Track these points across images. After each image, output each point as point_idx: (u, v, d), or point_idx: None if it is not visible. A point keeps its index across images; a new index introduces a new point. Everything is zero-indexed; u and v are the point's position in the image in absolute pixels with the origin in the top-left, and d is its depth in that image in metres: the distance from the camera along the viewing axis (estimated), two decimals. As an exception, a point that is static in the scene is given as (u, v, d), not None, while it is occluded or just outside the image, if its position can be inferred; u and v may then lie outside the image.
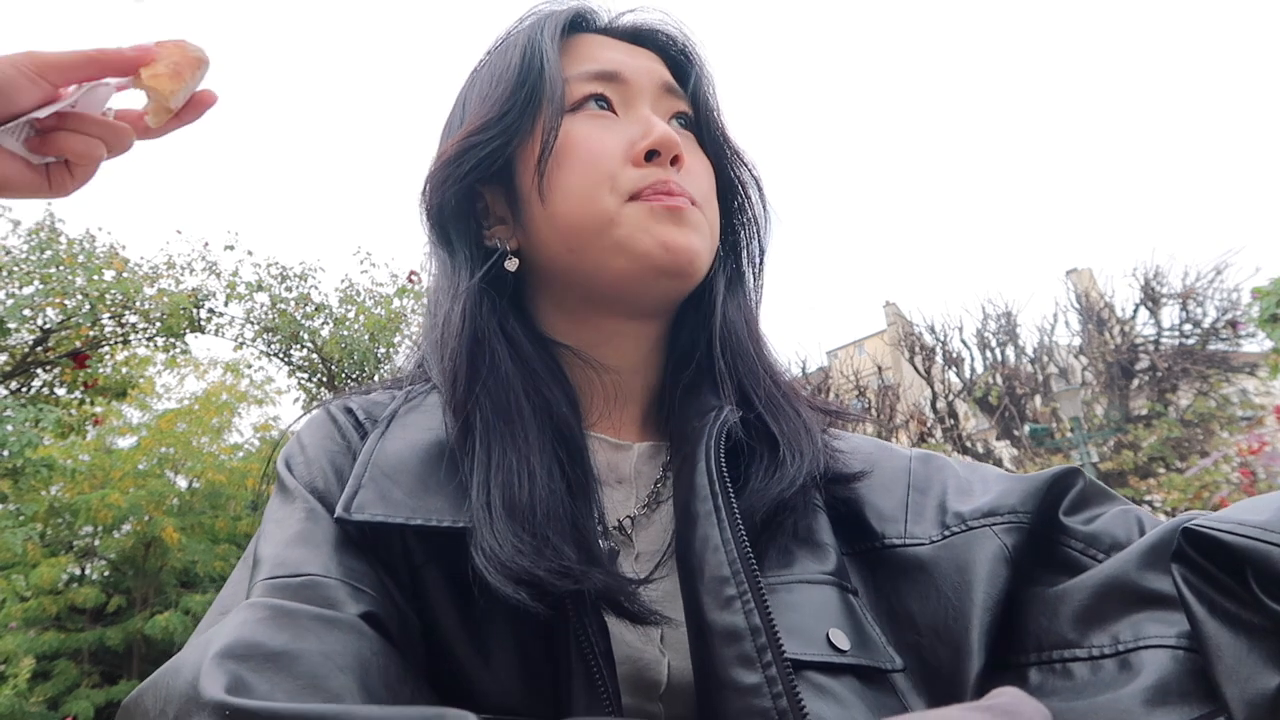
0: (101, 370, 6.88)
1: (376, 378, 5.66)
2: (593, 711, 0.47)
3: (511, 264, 0.64)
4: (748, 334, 0.67)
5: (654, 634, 0.55)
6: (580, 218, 0.60)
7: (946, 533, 0.57)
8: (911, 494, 0.62)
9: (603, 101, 0.64)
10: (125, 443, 10.56)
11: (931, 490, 0.62)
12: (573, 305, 0.64)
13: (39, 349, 6.56)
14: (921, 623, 0.54)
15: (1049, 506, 0.57)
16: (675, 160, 0.62)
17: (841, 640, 0.52)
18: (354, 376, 7.49)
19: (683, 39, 0.70)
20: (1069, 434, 10.55)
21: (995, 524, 0.56)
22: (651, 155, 0.61)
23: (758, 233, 0.71)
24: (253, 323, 7.45)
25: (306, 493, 0.54)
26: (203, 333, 7.33)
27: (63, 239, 6.58)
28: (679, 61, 0.69)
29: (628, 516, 0.61)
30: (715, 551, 0.51)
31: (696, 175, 0.65)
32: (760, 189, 0.71)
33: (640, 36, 0.69)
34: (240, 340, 7.57)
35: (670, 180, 0.61)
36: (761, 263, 0.72)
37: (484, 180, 0.65)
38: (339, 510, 0.52)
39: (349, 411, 0.62)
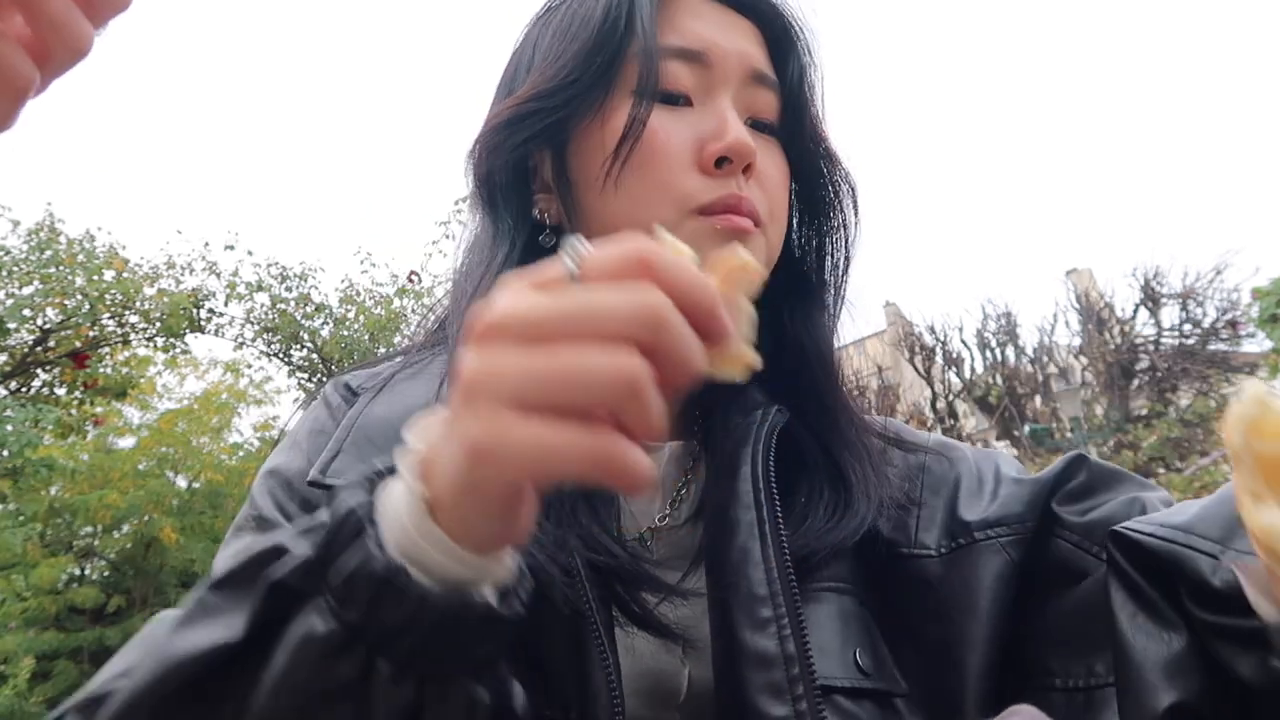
0: (101, 370, 6.88)
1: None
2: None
3: (548, 240, 0.59)
4: (814, 351, 0.60)
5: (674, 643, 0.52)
6: (636, 223, 0.53)
7: (954, 544, 0.55)
8: (925, 495, 0.58)
9: (675, 94, 0.56)
10: (125, 443, 10.55)
11: (943, 491, 0.58)
12: None
13: (39, 349, 6.56)
14: (925, 643, 0.52)
15: (1046, 500, 0.55)
16: (747, 169, 0.55)
17: (865, 662, 0.49)
18: (354, 376, 7.49)
19: (789, 14, 0.60)
20: (1069, 434, 10.55)
21: (1002, 536, 0.54)
22: (722, 161, 0.54)
23: (845, 242, 0.64)
24: (253, 323, 7.45)
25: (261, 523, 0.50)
26: (203, 333, 7.33)
27: (63, 239, 6.58)
28: (780, 41, 0.60)
29: (649, 528, 0.56)
30: (755, 567, 0.47)
31: (769, 185, 0.57)
32: (855, 197, 0.63)
33: (741, 3, 0.59)
34: (240, 340, 7.57)
35: (740, 197, 0.54)
36: (845, 273, 0.64)
37: (537, 145, 0.59)
38: (312, 474, 0.49)
39: (346, 387, 0.59)
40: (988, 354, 11.86)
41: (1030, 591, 0.53)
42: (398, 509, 0.34)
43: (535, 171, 0.60)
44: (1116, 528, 0.45)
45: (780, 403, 0.56)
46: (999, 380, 11.50)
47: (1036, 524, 0.54)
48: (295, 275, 7.47)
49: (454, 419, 0.31)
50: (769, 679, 0.44)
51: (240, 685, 0.34)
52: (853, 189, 0.63)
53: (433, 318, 0.67)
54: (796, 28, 0.61)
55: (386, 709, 0.33)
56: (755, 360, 0.33)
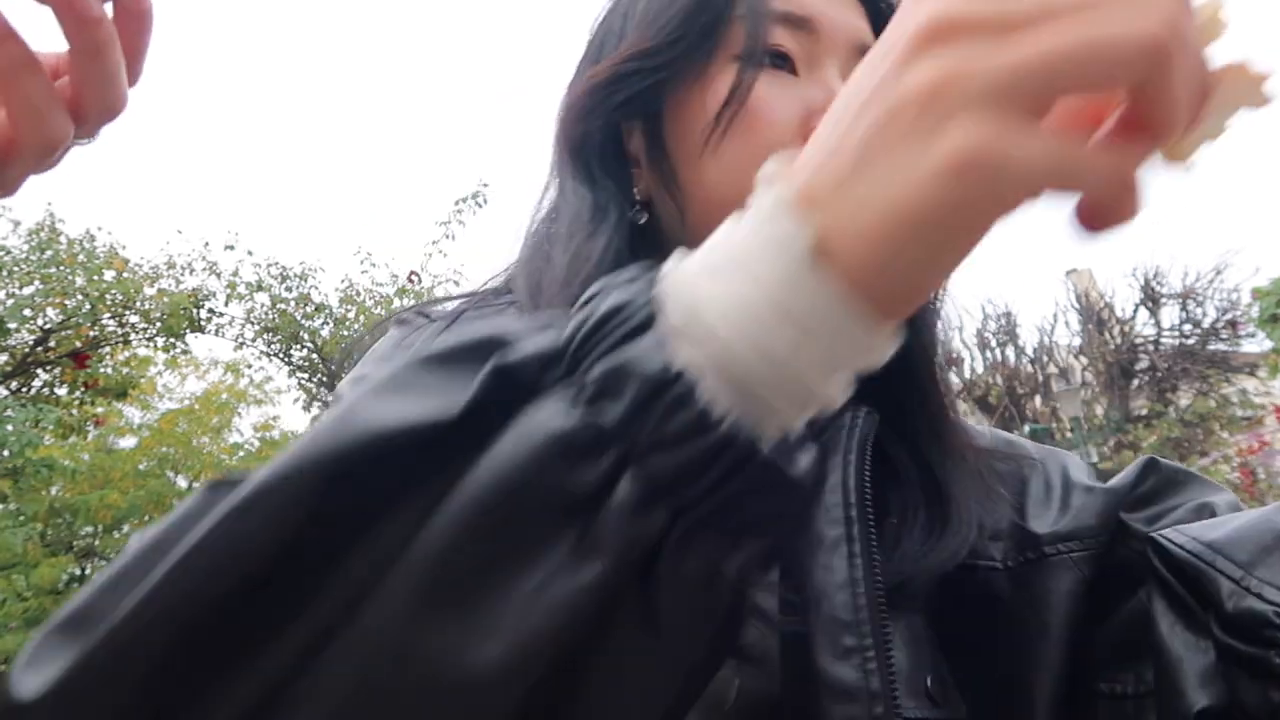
0: (102, 370, 6.89)
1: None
2: None
3: (639, 216, 0.55)
4: (918, 343, 0.54)
5: None
6: (734, 196, 0.46)
7: (1022, 558, 0.51)
8: (990, 499, 0.53)
9: (781, 60, 0.52)
10: (126, 443, 10.56)
11: (1008, 496, 0.54)
12: None
13: (39, 349, 6.56)
14: (989, 663, 0.48)
15: (1118, 511, 0.50)
16: None
17: (935, 690, 0.46)
18: (354, 376, 7.50)
19: None
20: (1069, 434, 10.54)
21: (1074, 551, 0.50)
22: None
23: None
24: (253, 323, 7.46)
25: None
26: (203, 333, 7.33)
27: (63, 239, 6.58)
28: (884, 16, 0.56)
29: None
30: (841, 589, 0.42)
31: None
32: None
33: None
34: (240, 340, 7.57)
35: None
36: None
37: (629, 115, 0.55)
38: None
39: (418, 313, 0.56)
40: (988, 354, 11.87)
41: (1097, 603, 0.50)
42: (726, 281, 0.26)
43: (624, 143, 0.57)
44: (1155, 535, 0.44)
45: (867, 403, 0.49)
46: (999, 380, 11.51)
47: (1109, 537, 0.51)
48: (295, 275, 7.47)
49: (904, 136, 0.24)
50: (847, 713, 0.40)
51: (442, 475, 0.25)
52: None
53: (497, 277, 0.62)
54: (899, 4, 0.58)
55: (616, 542, 0.24)
56: (1200, 158, 0.27)
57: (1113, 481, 0.54)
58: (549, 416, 0.26)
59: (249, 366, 9.30)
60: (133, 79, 0.45)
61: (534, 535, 0.24)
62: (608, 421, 0.25)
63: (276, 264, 7.40)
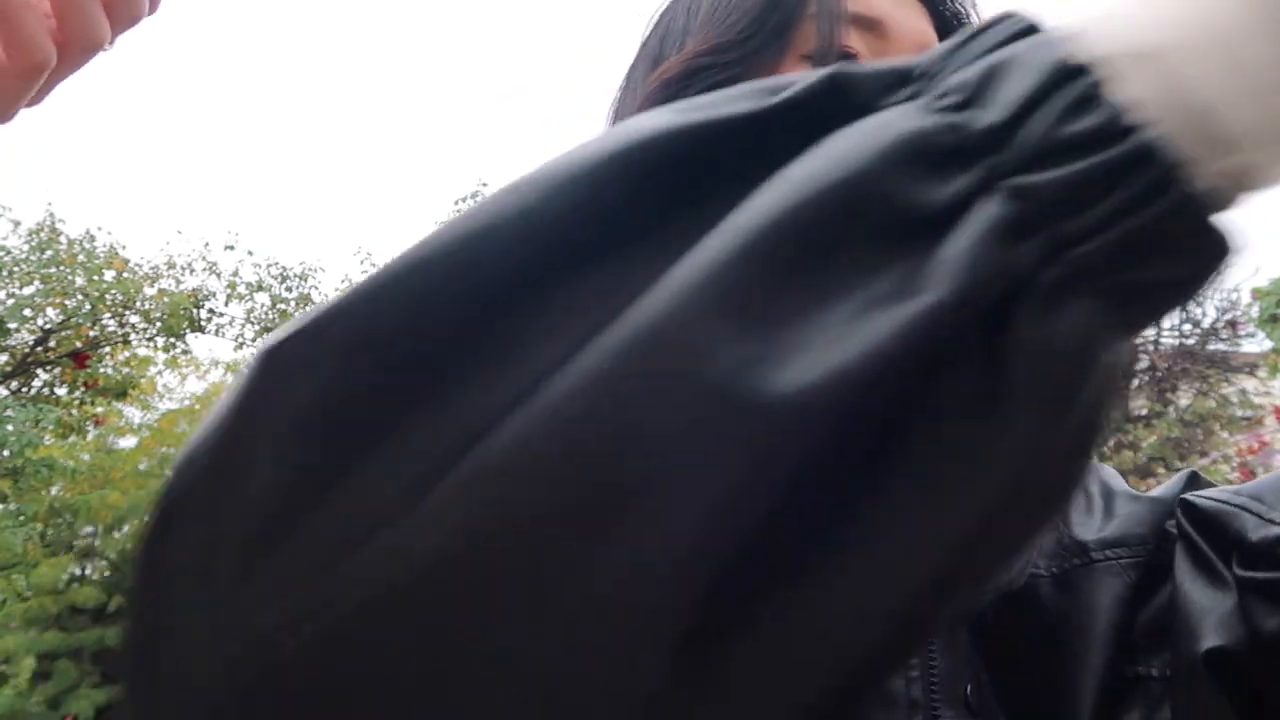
0: (102, 370, 6.89)
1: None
2: None
3: None
4: None
5: None
6: None
7: (1066, 565, 0.50)
8: None
9: (850, 61, 0.51)
10: (126, 443, 10.57)
11: None
12: None
13: (39, 349, 6.57)
14: (1029, 672, 0.48)
15: (1165, 521, 0.50)
16: None
17: (974, 699, 0.45)
18: (354, 376, 7.51)
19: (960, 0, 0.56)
20: (1069, 434, 10.52)
21: (1123, 558, 0.49)
22: None
23: None
24: (253, 323, 7.46)
25: None
26: (203, 333, 7.34)
27: (63, 239, 6.59)
28: (948, 27, 0.55)
29: None
30: None
31: None
32: None
33: None
34: (240, 340, 7.57)
35: None
36: None
37: None
38: None
39: None
40: (988, 354, 11.87)
41: (1139, 601, 0.50)
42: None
43: None
44: (1185, 496, 0.45)
45: None
46: (999, 380, 11.50)
47: (1156, 545, 0.50)
48: (295, 275, 7.48)
49: None
50: (886, 719, 0.40)
51: (747, 171, 0.20)
52: None
53: None
54: (964, 14, 0.58)
55: (966, 276, 0.18)
56: None
57: (1156, 491, 0.54)
58: (898, 117, 0.20)
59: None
60: (153, 6, 0.46)
61: (860, 252, 0.19)
62: (978, 125, 0.19)
63: (276, 264, 7.41)
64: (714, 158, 0.20)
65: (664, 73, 0.54)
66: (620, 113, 0.57)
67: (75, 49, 0.44)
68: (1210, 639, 0.40)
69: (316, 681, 0.17)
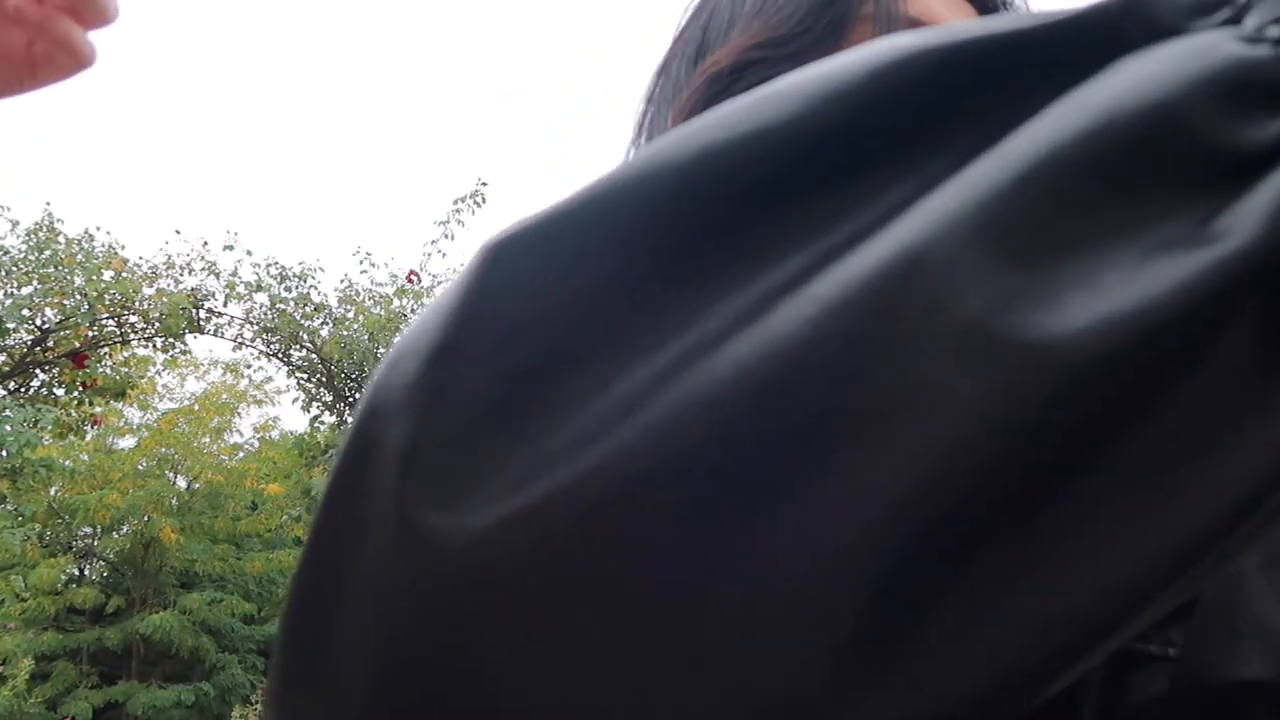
0: (101, 370, 6.88)
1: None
2: None
3: None
4: None
5: None
6: None
7: None
8: None
9: None
10: (125, 443, 10.57)
11: None
12: None
13: (37, 349, 6.56)
14: None
15: None
16: None
17: None
18: (354, 377, 7.49)
19: (1013, 9, 0.55)
20: (1069, 434, 10.57)
21: None
22: None
23: None
24: (252, 323, 7.45)
25: None
26: (202, 333, 7.33)
27: (61, 239, 6.58)
28: None
29: None
30: None
31: None
32: None
33: None
34: (240, 340, 7.57)
35: None
36: None
37: None
38: None
39: None
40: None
41: None
42: None
43: None
44: None
45: None
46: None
47: None
48: (294, 275, 7.47)
49: None
50: None
51: (1031, 91, 0.19)
52: None
53: None
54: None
55: (1273, 224, 0.17)
56: None
57: None
58: (1218, 41, 0.18)
59: (248, 367, 9.31)
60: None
61: (1154, 189, 0.17)
62: None
63: (276, 264, 7.40)
64: (990, 76, 0.18)
65: (714, 64, 0.54)
66: (658, 102, 0.56)
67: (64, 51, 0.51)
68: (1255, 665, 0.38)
69: (524, 585, 0.17)
